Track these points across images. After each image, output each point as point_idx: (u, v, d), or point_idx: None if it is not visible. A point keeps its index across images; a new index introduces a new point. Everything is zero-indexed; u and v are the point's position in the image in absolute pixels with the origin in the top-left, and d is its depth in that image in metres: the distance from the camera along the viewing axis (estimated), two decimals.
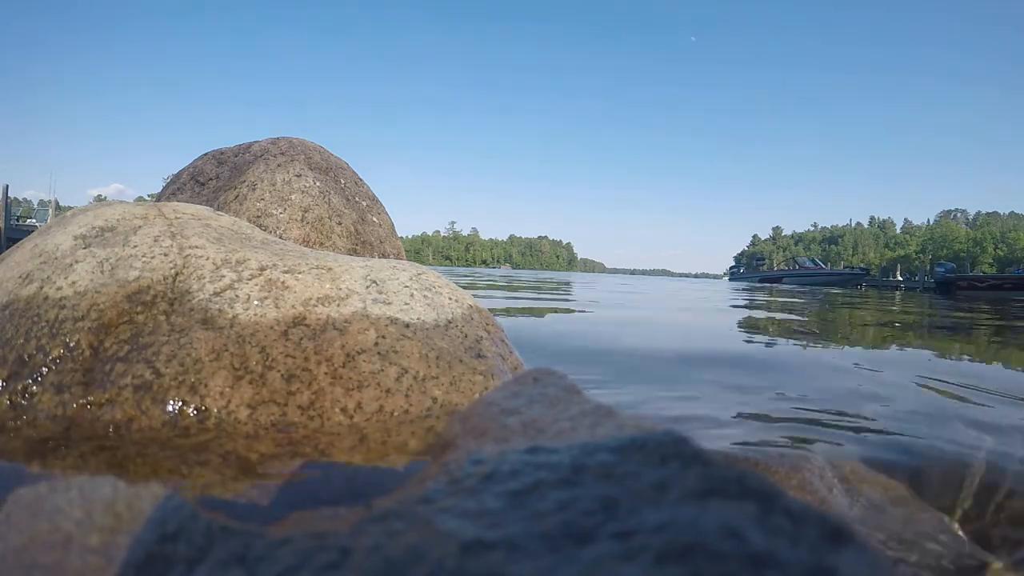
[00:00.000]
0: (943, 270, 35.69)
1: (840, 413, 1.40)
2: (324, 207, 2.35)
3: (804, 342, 3.13)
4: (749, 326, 4.22)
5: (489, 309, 1.45)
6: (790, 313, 5.71)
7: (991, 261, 58.42)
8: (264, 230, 1.92)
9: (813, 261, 55.43)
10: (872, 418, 1.35)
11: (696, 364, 2.09)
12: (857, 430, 1.25)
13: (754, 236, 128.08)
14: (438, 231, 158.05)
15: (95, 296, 1.14)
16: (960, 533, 0.85)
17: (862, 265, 61.24)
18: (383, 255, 2.57)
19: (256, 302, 1.15)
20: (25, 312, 1.14)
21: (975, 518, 0.89)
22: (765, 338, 3.32)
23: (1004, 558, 0.78)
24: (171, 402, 0.99)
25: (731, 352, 2.61)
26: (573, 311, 4.50)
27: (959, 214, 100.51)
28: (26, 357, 1.06)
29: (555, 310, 4.45)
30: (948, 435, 1.22)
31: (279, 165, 2.40)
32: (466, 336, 1.26)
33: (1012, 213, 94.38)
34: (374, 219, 2.67)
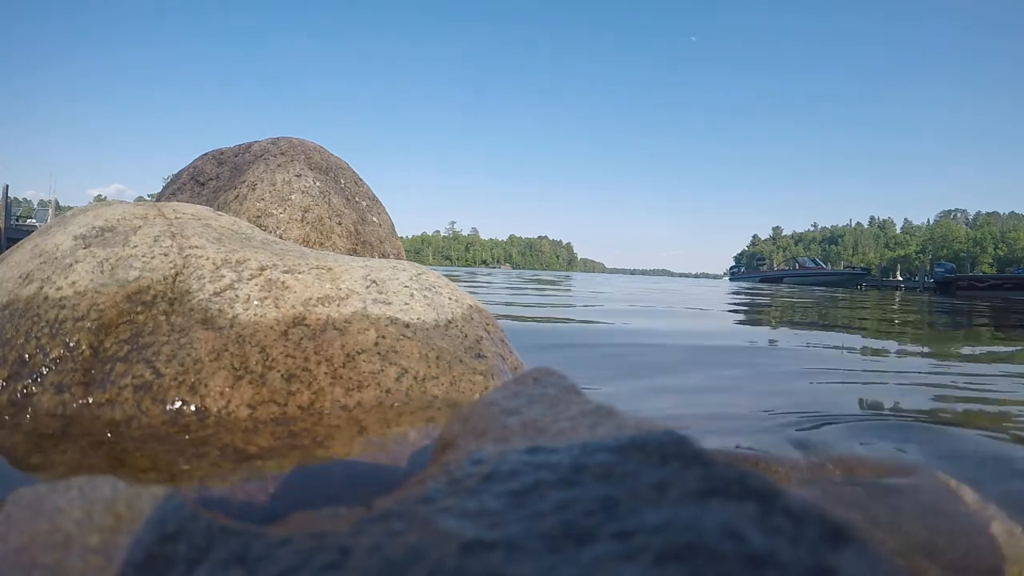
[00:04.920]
0: (943, 270, 35.68)
1: None
2: (324, 207, 2.35)
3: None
4: None
5: None
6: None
7: (991, 261, 58.32)
8: (264, 230, 1.92)
9: (813, 261, 55.46)
10: None
11: None
12: None
13: (754, 236, 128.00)
14: (438, 231, 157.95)
15: (95, 296, 1.14)
16: None
17: (862, 265, 61.20)
18: (383, 255, 2.57)
19: (256, 302, 1.15)
20: (25, 312, 1.14)
21: None
22: None
23: None
24: (171, 402, 0.99)
25: None
26: None
27: (959, 214, 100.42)
28: (26, 357, 1.06)
29: None
30: None
31: (279, 165, 2.40)
32: (466, 336, 1.26)
33: (1012, 213, 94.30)
34: (374, 219, 2.67)
